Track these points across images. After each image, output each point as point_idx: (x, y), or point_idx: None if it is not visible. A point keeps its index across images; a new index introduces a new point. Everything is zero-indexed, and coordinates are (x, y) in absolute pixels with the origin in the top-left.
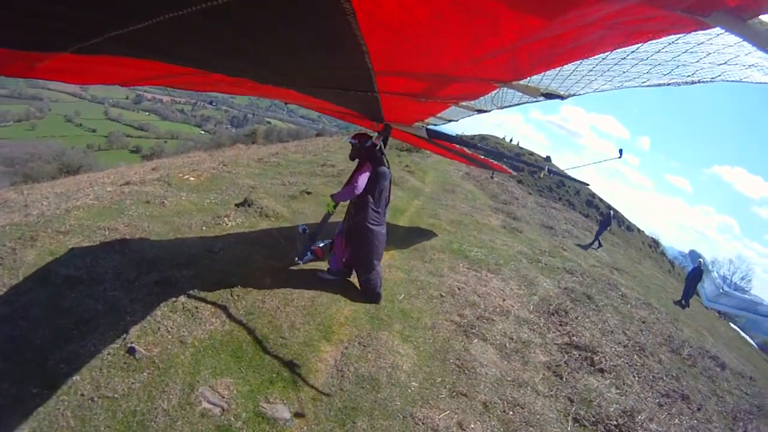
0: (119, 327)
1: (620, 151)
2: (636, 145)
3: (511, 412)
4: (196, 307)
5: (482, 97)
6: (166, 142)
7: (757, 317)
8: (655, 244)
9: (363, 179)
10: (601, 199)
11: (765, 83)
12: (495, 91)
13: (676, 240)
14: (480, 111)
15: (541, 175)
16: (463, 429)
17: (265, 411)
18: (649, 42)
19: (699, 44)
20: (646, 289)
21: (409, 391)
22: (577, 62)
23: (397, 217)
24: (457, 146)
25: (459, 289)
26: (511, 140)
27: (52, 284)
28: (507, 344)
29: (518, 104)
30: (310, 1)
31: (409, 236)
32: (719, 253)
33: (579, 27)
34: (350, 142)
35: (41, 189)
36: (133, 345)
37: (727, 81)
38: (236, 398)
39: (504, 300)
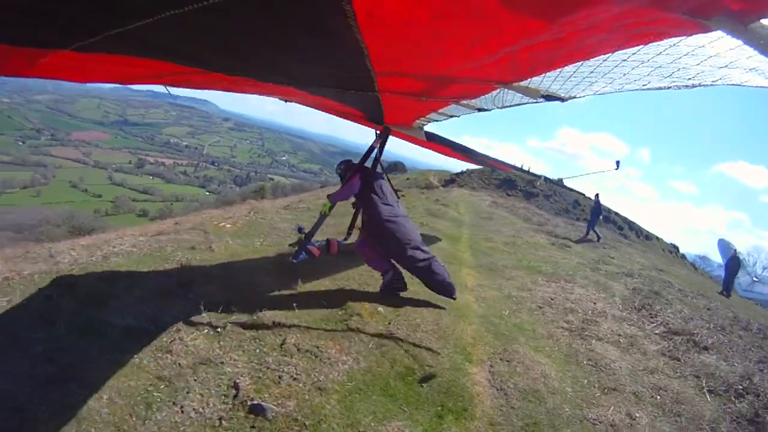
0: (222, 383)
1: (617, 162)
2: (636, 157)
3: (658, 397)
4: (317, 347)
5: (483, 97)
6: (171, 204)
7: None
8: (675, 249)
9: (355, 179)
10: (616, 213)
11: (765, 87)
12: (495, 92)
13: (689, 245)
14: (480, 110)
15: (537, 183)
16: (633, 419)
17: None
18: (650, 44)
19: (700, 47)
20: (691, 285)
21: (569, 395)
22: (578, 64)
23: (457, 244)
24: (452, 149)
25: (552, 299)
26: (521, 167)
27: (107, 337)
28: (620, 340)
29: (518, 105)
30: (310, 2)
31: (478, 258)
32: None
33: (581, 29)
34: (338, 173)
35: (62, 245)
36: (257, 402)
37: (728, 85)
38: None
39: (595, 303)
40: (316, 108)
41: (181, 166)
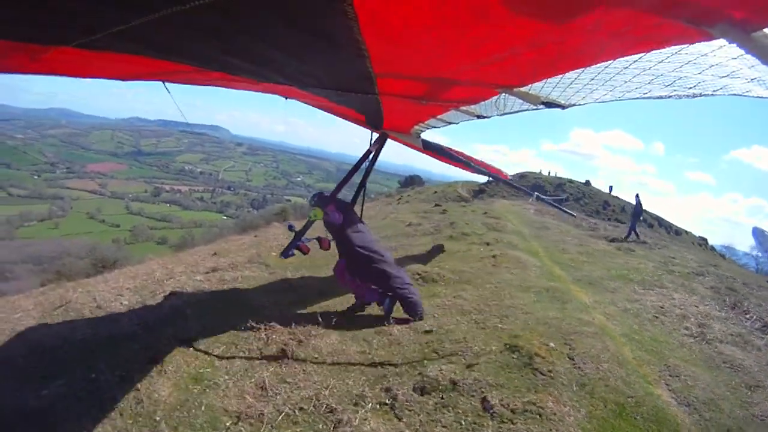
0: None
1: (610, 187)
2: (651, 152)
3: None
4: (532, 403)
5: (483, 102)
6: (192, 230)
7: None
8: (704, 242)
9: (331, 208)
10: (646, 211)
11: (766, 98)
12: (496, 97)
13: (712, 235)
14: (480, 117)
15: (530, 201)
16: None
17: None
18: (652, 51)
19: (702, 55)
20: (746, 277)
21: (730, 399)
22: (579, 70)
23: (537, 257)
24: (448, 158)
25: (661, 307)
26: (549, 173)
27: None
28: (735, 339)
29: (519, 111)
30: (311, 2)
31: (569, 272)
32: None
33: (583, 34)
34: (311, 204)
35: (97, 286)
36: None
37: (729, 95)
38: None
39: (697, 307)
40: (317, 107)
41: (198, 192)
